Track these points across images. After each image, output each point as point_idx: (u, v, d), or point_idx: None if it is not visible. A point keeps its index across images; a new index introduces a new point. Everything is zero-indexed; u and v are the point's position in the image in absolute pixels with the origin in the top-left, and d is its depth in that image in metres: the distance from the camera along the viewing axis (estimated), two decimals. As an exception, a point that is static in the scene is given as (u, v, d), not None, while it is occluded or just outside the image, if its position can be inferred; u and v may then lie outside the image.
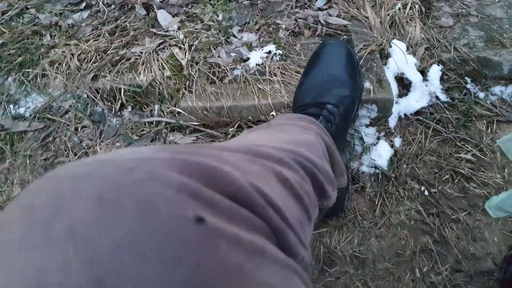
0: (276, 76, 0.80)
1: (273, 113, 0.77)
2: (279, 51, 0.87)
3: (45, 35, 0.98)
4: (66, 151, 0.82)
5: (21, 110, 0.86)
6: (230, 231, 0.24)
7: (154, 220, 0.22)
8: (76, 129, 0.83)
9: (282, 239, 0.31)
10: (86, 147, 0.82)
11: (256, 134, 0.53)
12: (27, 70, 0.87)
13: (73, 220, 0.21)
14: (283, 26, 0.96)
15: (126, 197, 0.22)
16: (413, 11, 0.95)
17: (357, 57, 0.74)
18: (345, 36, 0.91)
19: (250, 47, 0.90)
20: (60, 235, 0.21)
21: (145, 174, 0.24)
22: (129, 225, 0.21)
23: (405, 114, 0.83)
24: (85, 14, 1.09)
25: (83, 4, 1.11)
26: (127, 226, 0.21)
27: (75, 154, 0.81)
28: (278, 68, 0.82)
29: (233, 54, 0.88)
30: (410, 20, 0.93)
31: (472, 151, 0.76)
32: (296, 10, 1.02)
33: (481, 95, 0.81)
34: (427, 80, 0.84)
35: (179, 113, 0.79)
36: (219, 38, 0.93)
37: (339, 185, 0.58)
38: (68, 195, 0.22)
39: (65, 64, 0.86)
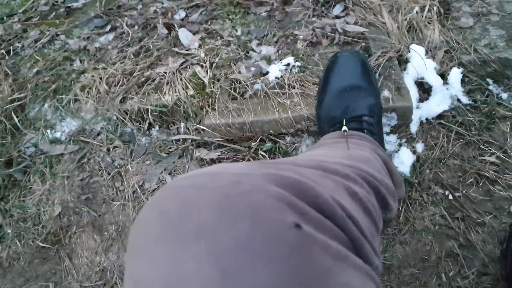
0: (295, 88, 0.82)
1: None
2: (298, 63, 0.89)
3: (75, 60, 1.04)
4: (100, 171, 0.87)
5: (58, 134, 0.92)
6: (320, 238, 0.29)
7: (262, 224, 0.26)
8: (108, 149, 0.89)
9: (359, 249, 0.35)
10: (118, 166, 0.86)
11: (319, 151, 0.57)
12: (60, 96, 0.93)
13: (200, 221, 0.26)
14: (301, 36, 0.98)
15: (239, 204, 0.27)
16: (431, 13, 0.94)
17: (369, 63, 0.75)
18: (363, 44, 0.92)
19: (269, 60, 0.93)
20: (191, 232, 0.26)
21: (250, 186, 0.29)
22: (244, 227, 0.26)
23: (426, 119, 0.83)
24: (111, 36, 1.14)
25: (108, 27, 1.16)
26: (243, 228, 0.25)
27: (109, 174, 0.86)
28: (297, 80, 0.84)
29: (252, 69, 0.91)
30: (429, 23, 0.92)
31: (496, 153, 0.75)
32: (313, 19, 1.04)
33: (504, 96, 0.80)
34: (447, 83, 0.84)
35: (203, 130, 0.83)
36: (239, 53, 0.95)
37: (399, 196, 0.60)
38: (193, 201, 0.28)
39: (95, 88, 0.91)
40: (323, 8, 1.07)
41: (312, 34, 0.97)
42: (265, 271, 0.24)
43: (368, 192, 0.45)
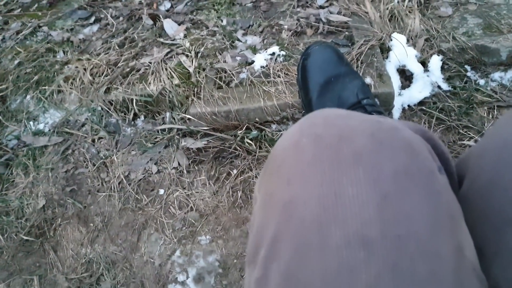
0: (280, 77, 0.83)
1: None
2: (283, 52, 0.90)
3: (58, 52, 1.03)
4: (85, 162, 0.86)
5: (41, 126, 0.91)
6: (450, 188, 0.29)
7: (418, 158, 0.26)
8: (93, 140, 0.88)
9: None
10: (103, 157, 0.86)
11: None
12: (43, 87, 0.92)
13: (357, 147, 0.26)
14: (286, 26, 0.99)
15: (393, 136, 0.27)
16: (412, 2, 0.96)
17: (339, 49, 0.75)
18: (346, 33, 0.93)
19: (254, 50, 0.93)
20: (348, 156, 0.26)
21: (392, 125, 0.28)
22: (403, 158, 0.26)
23: (408, 105, 0.85)
24: (95, 27, 1.13)
25: (93, 18, 1.15)
26: (401, 159, 0.25)
27: (94, 165, 0.85)
28: (282, 69, 0.85)
29: (238, 58, 0.91)
30: (409, 12, 0.94)
31: (475, 137, 0.77)
32: (298, 9, 1.05)
33: (482, 82, 0.83)
34: (428, 70, 0.85)
35: (189, 119, 0.83)
36: (224, 43, 0.96)
37: None
38: (346, 128, 0.27)
39: (79, 79, 0.90)
40: (307, -1, 1.08)
41: (296, 24, 0.98)
42: (424, 201, 0.24)
43: None
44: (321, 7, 1.03)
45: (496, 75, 0.82)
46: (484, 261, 0.28)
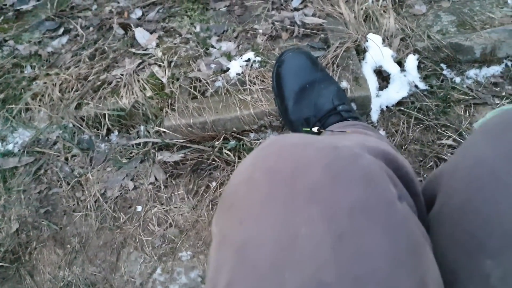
0: (255, 84, 0.81)
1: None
2: (258, 58, 0.88)
3: (25, 67, 0.99)
4: (59, 181, 0.83)
5: (10, 146, 0.87)
6: (413, 214, 0.28)
7: (376, 190, 0.25)
8: (66, 159, 0.85)
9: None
10: (78, 175, 0.83)
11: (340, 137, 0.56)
12: (10, 106, 0.88)
13: (311, 181, 0.24)
14: (261, 31, 0.97)
15: (350, 167, 0.25)
16: (386, 1, 0.96)
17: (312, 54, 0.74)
18: (322, 35, 0.92)
19: (229, 56, 0.91)
20: (302, 193, 0.24)
21: (350, 151, 0.27)
22: (359, 192, 0.24)
23: (387, 106, 0.84)
24: (64, 39, 1.09)
25: (61, 30, 1.11)
26: (357, 193, 0.24)
27: (68, 184, 0.82)
28: (257, 76, 0.83)
29: (213, 66, 0.89)
30: (384, 11, 0.93)
31: (453, 136, 0.77)
32: (273, 12, 1.03)
33: (457, 80, 0.82)
34: (405, 70, 0.85)
35: (164, 132, 0.80)
36: (198, 51, 0.93)
37: None
38: (301, 159, 0.26)
39: (48, 96, 0.87)
40: (282, 0, 1.06)
41: (271, 28, 0.96)
42: (383, 238, 0.23)
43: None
44: (296, 9, 1.02)
45: (471, 73, 0.82)
46: (458, 285, 0.27)
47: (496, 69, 0.83)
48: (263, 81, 0.82)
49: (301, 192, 0.24)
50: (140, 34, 1.02)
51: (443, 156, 0.76)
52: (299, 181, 0.25)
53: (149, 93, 0.83)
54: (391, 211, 0.25)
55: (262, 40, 0.94)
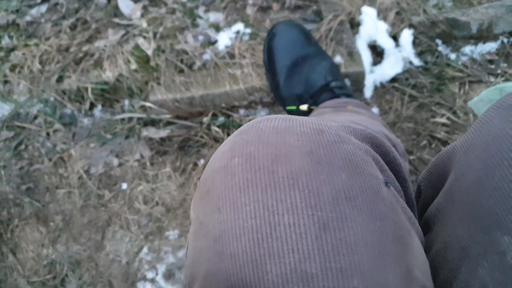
0: (245, 58, 0.78)
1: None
2: (248, 30, 0.84)
3: (3, 37, 0.94)
4: (40, 157, 0.80)
5: (-12, 121, 0.83)
6: (400, 199, 0.27)
7: (361, 177, 0.24)
8: (48, 134, 0.81)
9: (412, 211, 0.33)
10: (60, 151, 0.80)
11: (329, 116, 0.54)
12: (-13, 78, 0.84)
13: (293, 168, 0.23)
14: (250, 1, 0.93)
15: (333, 153, 0.24)
16: (381, -27, 0.92)
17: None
18: (314, 7, 0.88)
19: (217, 28, 0.87)
20: (284, 180, 0.23)
21: (335, 136, 0.25)
22: (343, 179, 0.23)
23: (381, 83, 0.82)
24: (43, 8, 1.03)
25: (40, -2, 1.05)
26: (341, 180, 0.23)
27: (50, 160, 0.79)
28: (247, 49, 0.79)
29: (200, 38, 0.85)
30: (379, -17, 0.90)
31: (446, 114, 0.75)
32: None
33: (453, 56, 0.80)
34: (399, 45, 0.82)
35: (150, 107, 0.77)
36: (185, 22, 0.89)
37: None
38: (282, 146, 0.24)
39: (27, 68, 0.82)
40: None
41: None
42: (368, 228, 0.22)
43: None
44: (288, -21, 0.97)
45: (467, 49, 0.80)
46: (468, 262, 0.26)
47: (492, 46, 0.81)
48: (253, 54, 0.79)
49: (283, 179, 0.23)
50: (124, 4, 0.97)
51: (437, 135, 0.75)
52: (281, 168, 0.23)
53: (133, 66, 0.79)
54: (376, 198, 0.24)
55: (252, 11, 0.90)
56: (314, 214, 0.22)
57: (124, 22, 0.91)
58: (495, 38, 0.80)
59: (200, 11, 0.93)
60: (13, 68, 0.84)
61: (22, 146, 0.81)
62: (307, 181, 0.23)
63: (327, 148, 0.24)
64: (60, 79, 0.82)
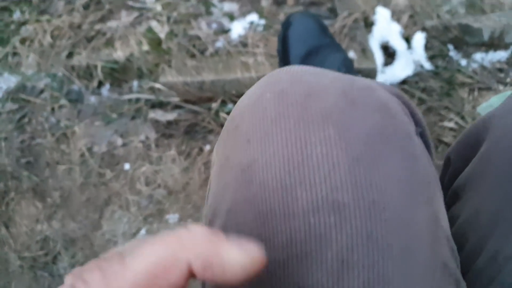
0: (259, 47, 0.78)
1: None
2: (262, 21, 0.85)
3: (14, 12, 0.93)
4: (43, 132, 0.79)
5: (-7, 91, 0.82)
6: (428, 153, 0.27)
7: (394, 120, 0.24)
8: (53, 109, 0.80)
9: None
10: (64, 127, 0.79)
11: None
12: (-4, 48, 0.83)
13: (327, 105, 0.23)
14: (265, -5, 0.93)
15: (367, 96, 0.24)
16: (396, -22, 0.93)
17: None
18: (329, 5, 0.89)
19: (231, 17, 0.87)
20: (317, 114, 0.22)
21: (367, 84, 0.25)
22: (377, 119, 0.23)
23: (391, 84, 0.82)
24: (57, -12, 1.03)
25: (54, -22, 1.05)
26: (375, 120, 0.23)
27: (53, 135, 0.78)
28: (261, 39, 0.79)
29: (214, 26, 0.85)
30: (394, -13, 0.91)
31: (454, 119, 0.76)
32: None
33: (463, 62, 0.81)
34: (411, 48, 0.83)
35: (159, 89, 0.77)
36: (199, 9, 0.89)
37: None
38: (315, 84, 0.24)
39: (38, 42, 0.82)
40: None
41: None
42: (400, 166, 0.22)
43: None
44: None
45: (478, 56, 0.80)
46: (502, 226, 0.26)
47: (502, 55, 0.81)
48: (266, 45, 0.79)
49: (315, 114, 0.22)
50: (139, -12, 0.97)
51: (444, 139, 0.75)
52: (314, 104, 0.23)
53: (145, 47, 0.79)
54: (409, 141, 0.24)
55: (266, 4, 0.90)
56: (348, 147, 0.21)
57: (138, 5, 0.91)
58: (506, 47, 0.81)
59: (215, 0, 0.93)
60: (23, 41, 0.84)
61: (26, 120, 0.80)
62: (341, 118, 0.22)
63: (361, 90, 0.24)
64: (70, 55, 0.81)
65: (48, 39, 0.82)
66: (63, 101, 0.80)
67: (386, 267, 0.20)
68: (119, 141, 0.77)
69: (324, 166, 0.21)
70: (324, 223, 0.20)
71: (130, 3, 0.91)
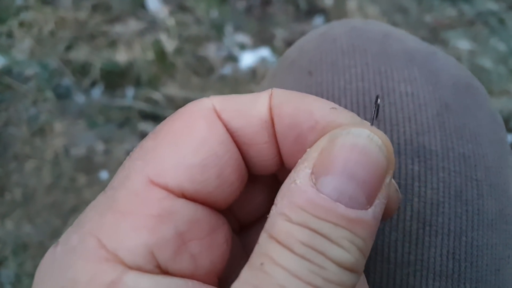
0: (266, 80, 0.77)
1: None
2: (274, 59, 0.84)
3: (17, -3, 0.89)
4: (19, 121, 0.72)
5: (-24, 68, 0.76)
6: None
7: (474, 80, 0.22)
8: (35, 100, 0.74)
9: None
10: (43, 122, 0.73)
11: None
12: (-9, 25, 0.78)
13: (408, 47, 0.21)
14: (278, 35, 0.94)
15: (448, 56, 0.23)
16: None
17: None
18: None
19: (242, 47, 0.87)
20: (398, 53, 0.20)
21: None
22: (462, 73, 0.21)
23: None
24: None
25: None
26: (460, 72, 0.22)
27: (29, 127, 0.72)
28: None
29: (223, 52, 0.84)
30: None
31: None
32: (293, 24, 1.01)
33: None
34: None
35: (156, 101, 0.73)
36: (211, 35, 0.88)
37: None
38: (391, 28, 0.23)
39: (38, 28, 0.77)
40: (303, 16, 1.05)
41: (290, 36, 0.94)
42: (488, 124, 0.20)
43: None
44: (317, 27, 1.01)
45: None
46: None
47: (508, 139, 0.84)
48: (274, 79, 0.78)
49: (397, 53, 0.20)
50: (153, 2, 0.96)
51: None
52: (394, 43, 0.21)
53: (150, 57, 0.76)
54: (490, 106, 0.22)
55: (278, 45, 0.90)
56: (436, 91, 0.19)
57: (149, 18, 0.89)
58: (509, 131, 0.83)
59: (228, 29, 0.93)
60: (21, 24, 0.79)
61: (3, 105, 0.73)
62: (425, 61, 0.20)
63: (440, 50, 0.23)
64: (69, 48, 0.77)
65: (50, 27, 0.77)
66: (48, 94, 0.75)
67: (476, 237, 0.17)
68: (101, 147, 0.72)
69: (409, 105, 0.18)
70: (406, 171, 0.17)
71: (141, 14, 0.89)
